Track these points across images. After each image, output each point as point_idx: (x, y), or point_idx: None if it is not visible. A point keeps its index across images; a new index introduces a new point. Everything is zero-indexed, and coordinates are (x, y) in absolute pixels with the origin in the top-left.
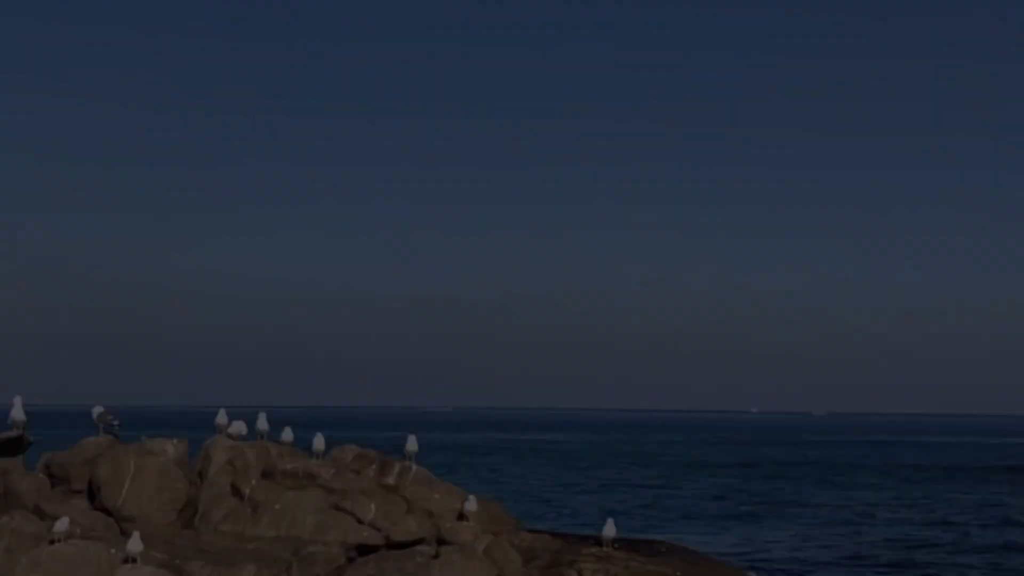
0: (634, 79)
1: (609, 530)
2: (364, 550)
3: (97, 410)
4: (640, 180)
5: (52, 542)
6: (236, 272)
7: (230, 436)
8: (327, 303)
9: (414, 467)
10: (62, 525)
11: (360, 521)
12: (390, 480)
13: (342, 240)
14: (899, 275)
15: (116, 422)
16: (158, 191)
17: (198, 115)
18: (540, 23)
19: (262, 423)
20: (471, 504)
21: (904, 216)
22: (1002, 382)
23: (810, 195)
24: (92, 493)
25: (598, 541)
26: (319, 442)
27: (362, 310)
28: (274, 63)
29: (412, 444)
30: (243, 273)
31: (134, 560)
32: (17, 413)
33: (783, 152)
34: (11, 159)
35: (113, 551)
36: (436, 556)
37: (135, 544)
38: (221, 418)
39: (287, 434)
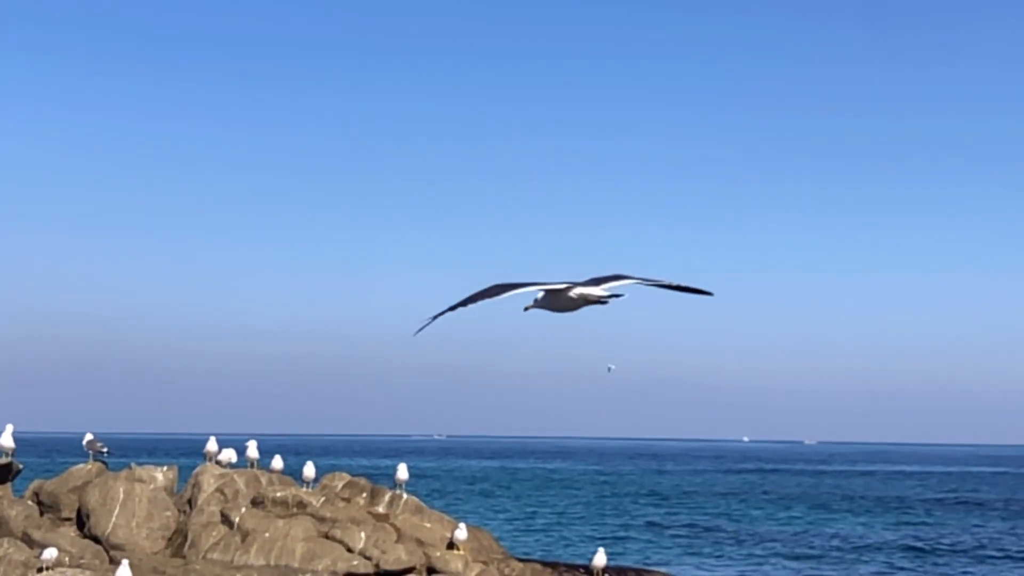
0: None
1: (599, 559)
2: None
3: (86, 437)
4: (635, 224)
5: (41, 570)
6: (227, 300)
7: (220, 464)
8: (318, 331)
9: (404, 495)
10: (51, 554)
11: (350, 550)
12: (380, 508)
13: (332, 271)
14: (890, 301)
15: (105, 449)
16: (148, 220)
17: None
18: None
19: (252, 451)
20: (461, 533)
21: (894, 246)
22: (998, 410)
23: (803, 229)
24: (81, 521)
25: (589, 571)
26: (309, 470)
27: (353, 338)
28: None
29: (402, 472)
30: (235, 301)
31: None
32: (6, 440)
33: (774, 192)
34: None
35: None
36: None
37: (124, 572)
38: (211, 445)
39: (277, 462)
